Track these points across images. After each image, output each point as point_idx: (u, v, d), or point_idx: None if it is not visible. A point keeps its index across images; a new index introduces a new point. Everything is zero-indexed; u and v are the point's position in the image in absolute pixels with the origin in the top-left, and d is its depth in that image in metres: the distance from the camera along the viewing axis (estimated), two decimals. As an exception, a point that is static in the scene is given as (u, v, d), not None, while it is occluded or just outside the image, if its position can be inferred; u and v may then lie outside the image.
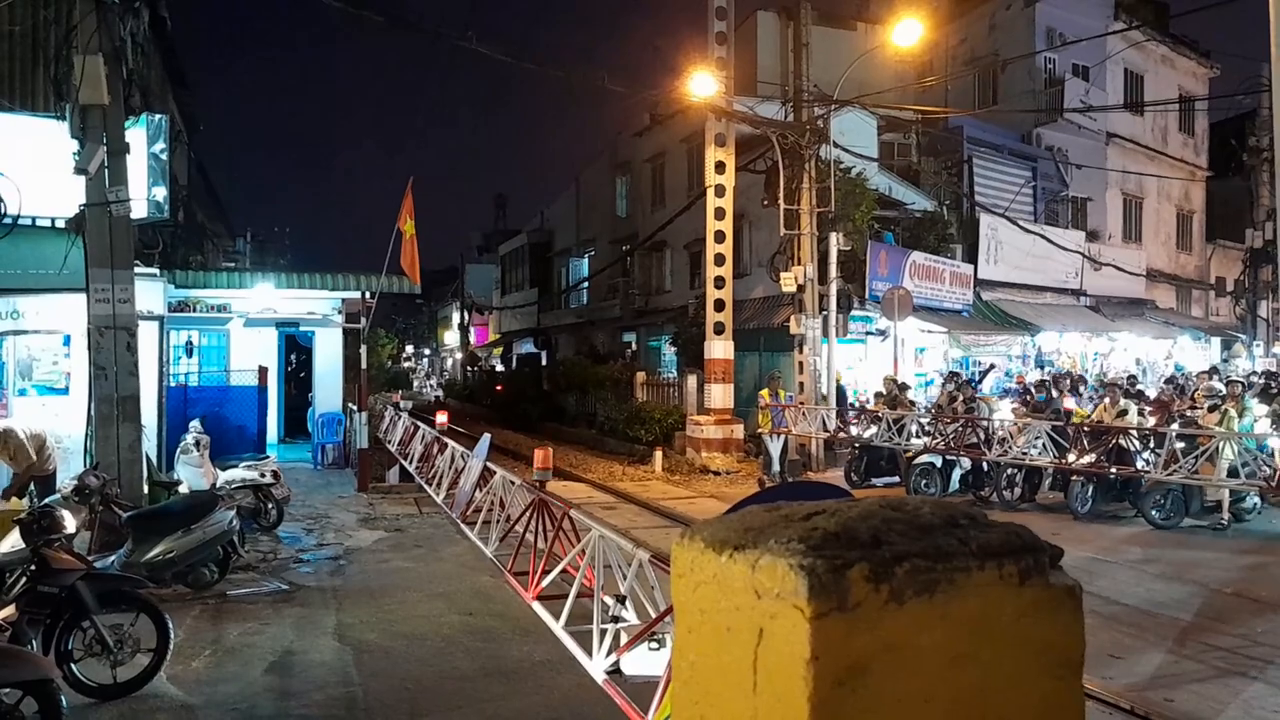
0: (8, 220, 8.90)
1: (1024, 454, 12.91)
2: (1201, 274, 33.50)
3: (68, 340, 12.45)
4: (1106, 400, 13.61)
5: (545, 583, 7.04)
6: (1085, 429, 12.93)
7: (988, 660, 0.94)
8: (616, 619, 5.48)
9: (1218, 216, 32.94)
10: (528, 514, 8.10)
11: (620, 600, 5.60)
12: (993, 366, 21.41)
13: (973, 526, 0.99)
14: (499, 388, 36.64)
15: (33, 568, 5.88)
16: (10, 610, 5.71)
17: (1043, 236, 24.27)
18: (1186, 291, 32.76)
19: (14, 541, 6.58)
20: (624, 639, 5.31)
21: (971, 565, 0.94)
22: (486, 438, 10.75)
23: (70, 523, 6.36)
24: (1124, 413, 13.11)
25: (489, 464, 10.08)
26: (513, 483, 9.30)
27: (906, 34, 17.71)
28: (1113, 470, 12.08)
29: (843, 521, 0.96)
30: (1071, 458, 12.41)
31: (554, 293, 40.21)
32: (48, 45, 11.90)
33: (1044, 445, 12.74)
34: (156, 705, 6.00)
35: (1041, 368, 23.13)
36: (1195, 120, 32.73)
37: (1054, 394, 15.86)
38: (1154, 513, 11.78)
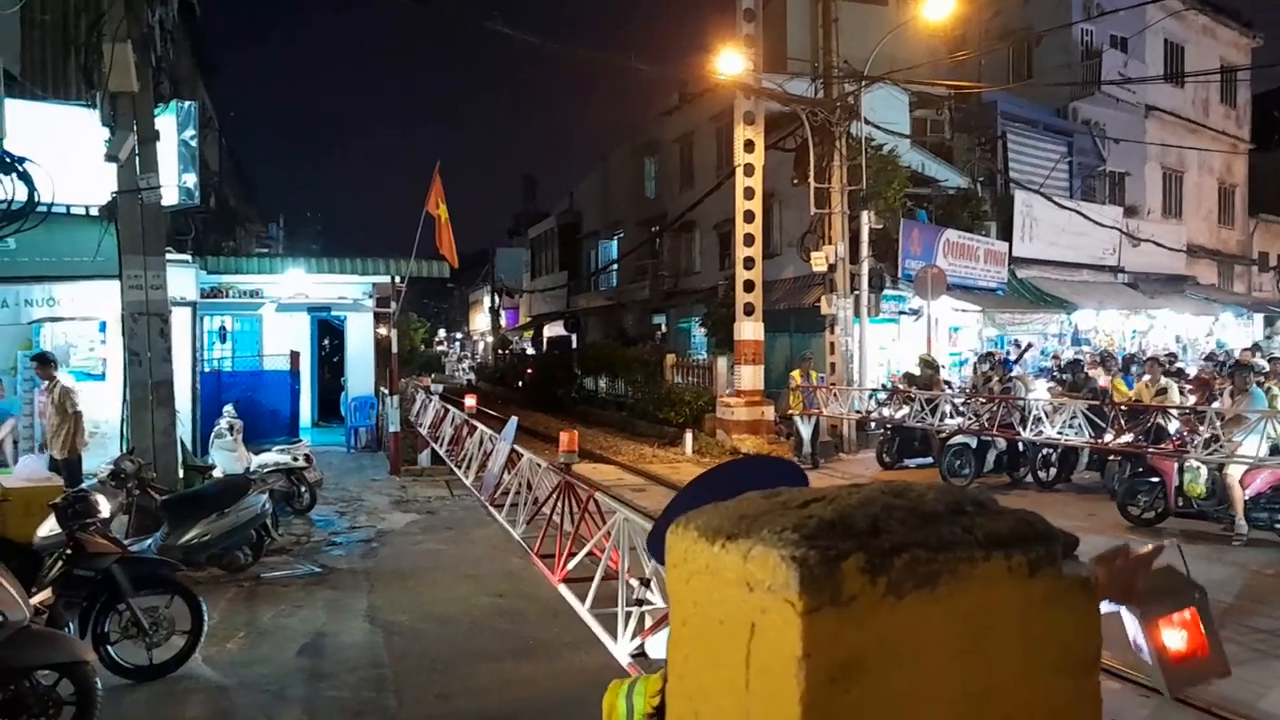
0: (42, 209, 8.98)
1: (1060, 434, 12.70)
2: (1244, 249, 32.72)
3: (103, 327, 12.63)
4: (1146, 378, 13.32)
5: (571, 565, 7.03)
6: (1123, 408, 12.68)
7: (993, 657, 0.88)
8: (641, 601, 5.45)
9: (1261, 190, 32.11)
10: (554, 496, 8.09)
11: (645, 583, 5.57)
12: (1030, 345, 21.09)
13: (979, 514, 0.93)
14: (529, 370, 36.73)
15: (69, 552, 5.96)
16: (47, 594, 5.79)
17: (1079, 213, 23.82)
18: (1228, 267, 32.02)
19: (50, 526, 6.70)
20: (649, 621, 5.29)
21: (977, 555, 0.88)
22: (514, 420, 10.73)
23: (106, 507, 6.44)
24: (1164, 391, 12.84)
25: (516, 446, 10.08)
26: (539, 465, 9.29)
27: (938, 8, 17.40)
28: (1151, 450, 11.84)
29: (840, 509, 0.90)
30: (1109, 437, 12.19)
31: (583, 275, 40.16)
32: (77, 34, 12.01)
33: (1080, 425, 12.52)
34: (191, 686, 6.09)
35: (1077, 346, 22.75)
36: (1237, 91, 31.88)
37: (1088, 374, 15.57)
38: (1193, 493, 11.52)
